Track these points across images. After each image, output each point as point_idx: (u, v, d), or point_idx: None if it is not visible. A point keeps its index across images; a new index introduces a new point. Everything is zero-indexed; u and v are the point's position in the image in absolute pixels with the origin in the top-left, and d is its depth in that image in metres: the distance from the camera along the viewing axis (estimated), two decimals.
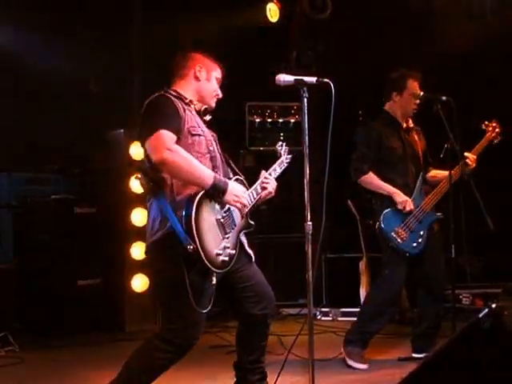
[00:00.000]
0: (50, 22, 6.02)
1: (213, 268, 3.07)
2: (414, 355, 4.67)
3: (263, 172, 3.55)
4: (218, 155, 3.35)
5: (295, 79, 3.26)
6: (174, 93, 3.34)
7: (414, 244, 4.52)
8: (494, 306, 2.06)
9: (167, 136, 3.07)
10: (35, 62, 6.00)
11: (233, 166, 3.50)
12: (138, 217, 6.03)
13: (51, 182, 6.09)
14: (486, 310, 2.07)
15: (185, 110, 3.25)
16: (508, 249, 6.37)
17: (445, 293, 4.65)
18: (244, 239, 3.41)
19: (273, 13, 7.12)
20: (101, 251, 6.00)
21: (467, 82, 6.39)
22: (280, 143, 3.78)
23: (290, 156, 3.76)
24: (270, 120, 6.98)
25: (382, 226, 4.52)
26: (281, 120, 7.01)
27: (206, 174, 3.12)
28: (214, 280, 3.13)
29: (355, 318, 4.86)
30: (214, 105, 3.49)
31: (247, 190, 3.39)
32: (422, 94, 4.59)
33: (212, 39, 6.48)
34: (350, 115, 7.07)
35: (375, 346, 4.79)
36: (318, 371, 3.19)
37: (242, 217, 3.32)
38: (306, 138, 3.16)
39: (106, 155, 6.21)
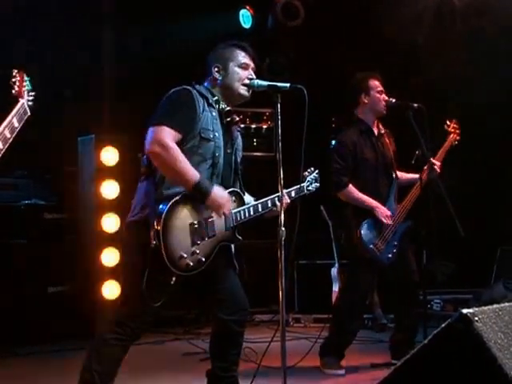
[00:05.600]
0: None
1: (172, 268, 3.09)
2: (394, 361, 4.63)
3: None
4: (221, 163, 3.30)
5: (269, 85, 3.28)
6: (201, 89, 3.34)
7: (390, 255, 4.53)
8: (465, 312, 2.07)
9: (167, 132, 3.11)
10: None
11: (240, 179, 3.49)
12: (109, 222, 5.98)
13: (21, 187, 5.99)
14: (458, 315, 2.08)
15: (204, 110, 3.25)
16: (478, 254, 6.45)
17: (417, 297, 4.67)
18: (232, 250, 3.42)
19: (246, 19, 7.13)
20: (71, 258, 5.92)
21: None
22: (312, 169, 3.80)
23: (315, 186, 3.79)
24: (242, 126, 6.98)
25: (363, 237, 4.49)
26: (253, 126, 7.02)
27: (190, 175, 3.11)
28: (174, 279, 3.15)
29: (327, 325, 4.88)
30: (244, 92, 3.40)
31: (243, 205, 3.39)
32: (393, 100, 4.64)
33: (184, 46, 6.48)
34: (323, 121, 7.11)
35: (348, 353, 4.79)
36: (291, 378, 3.18)
37: (227, 229, 3.31)
38: (280, 144, 3.15)
39: (76, 161, 6.15)
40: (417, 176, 4.62)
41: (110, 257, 5.97)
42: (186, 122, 3.19)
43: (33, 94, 3.11)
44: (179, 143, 3.16)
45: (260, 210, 3.42)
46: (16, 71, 3.04)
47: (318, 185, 3.82)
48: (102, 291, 5.92)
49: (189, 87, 3.30)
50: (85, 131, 6.10)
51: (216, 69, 3.41)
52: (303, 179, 3.71)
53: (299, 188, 3.54)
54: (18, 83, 3.03)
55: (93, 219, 5.96)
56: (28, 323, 5.59)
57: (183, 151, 3.16)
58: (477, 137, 6.54)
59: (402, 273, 4.62)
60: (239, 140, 3.55)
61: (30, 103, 3.08)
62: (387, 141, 4.80)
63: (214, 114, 3.32)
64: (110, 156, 6.03)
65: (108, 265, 5.96)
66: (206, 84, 3.45)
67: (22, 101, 3.04)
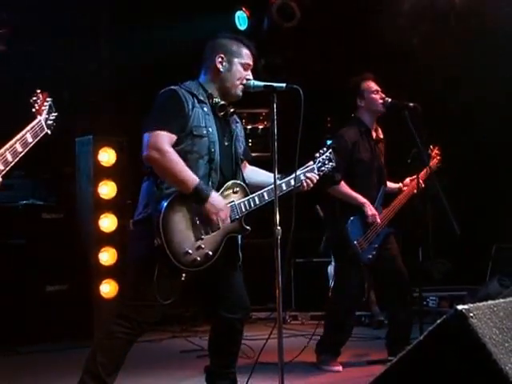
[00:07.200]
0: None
1: (178, 265, 3.10)
2: (390, 358, 4.64)
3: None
4: (219, 158, 3.28)
5: (265, 85, 3.28)
6: (190, 87, 3.31)
7: (370, 256, 4.56)
8: (460, 308, 2.09)
9: (162, 137, 3.12)
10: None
11: (242, 171, 3.49)
12: (106, 222, 6.02)
13: (19, 187, 6.01)
14: (453, 312, 2.10)
15: (193, 108, 3.24)
16: (474, 252, 6.49)
17: (409, 297, 4.70)
18: (238, 242, 3.42)
19: (242, 20, 7.15)
20: (69, 257, 5.94)
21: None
22: (324, 149, 3.62)
23: (330, 166, 3.61)
24: None
25: (348, 231, 4.54)
26: (249, 126, 7.03)
27: (188, 179, 3.12)
28: (184, 276, 3.16)
29: (322, 322, 4.92)
30: (239, 93, 3.39)
31: (247, 195, 3.36)
32: (389, 100, 4.66)
33: (182, 47, 6.49)
34: (319, 121, 7.13)
35: (345, 349, 4.82)
36: (288, 375, 3.20)
37: (233, 221, 3.30)
38: (276, 144, 3.15)
39: (74, 161, 6.17)
40: (398, 185, 4.90)
41: (107, 256, 6.01)
42: (177, 122, 3.19)
43: (55, 114, 3.09)
44: (174, 144, 3.17)
45: (266, 197, 3.37)
46: (39, 91, 3.03)
47: (333, 164, 3.63)
48: (100, 290, 5.95)
49: (175, 87, 3.28)
50: (83, 132, 6.12)
51: (219, 59, 3.35)
52: (314, 159, 3.59)
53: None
54: (39, 102, 3.02)
55: (90, 219, 5.99)
56: (27, 322, 5.61)
57: (179, 152, 3.16)
58: (476, 137, 6.59)
59: (393, 274, 4.65)
60: (238, 130, 3.51)
61: (49, 122, 3.07)
62: (381, 148, 4.84)
63: (205, 109, 3.29)
64: (107, 156, 6.06)
65: (106, 264, 5.99)
66: (200, 78, 3.41)
67: (39, 118, 3.02)
